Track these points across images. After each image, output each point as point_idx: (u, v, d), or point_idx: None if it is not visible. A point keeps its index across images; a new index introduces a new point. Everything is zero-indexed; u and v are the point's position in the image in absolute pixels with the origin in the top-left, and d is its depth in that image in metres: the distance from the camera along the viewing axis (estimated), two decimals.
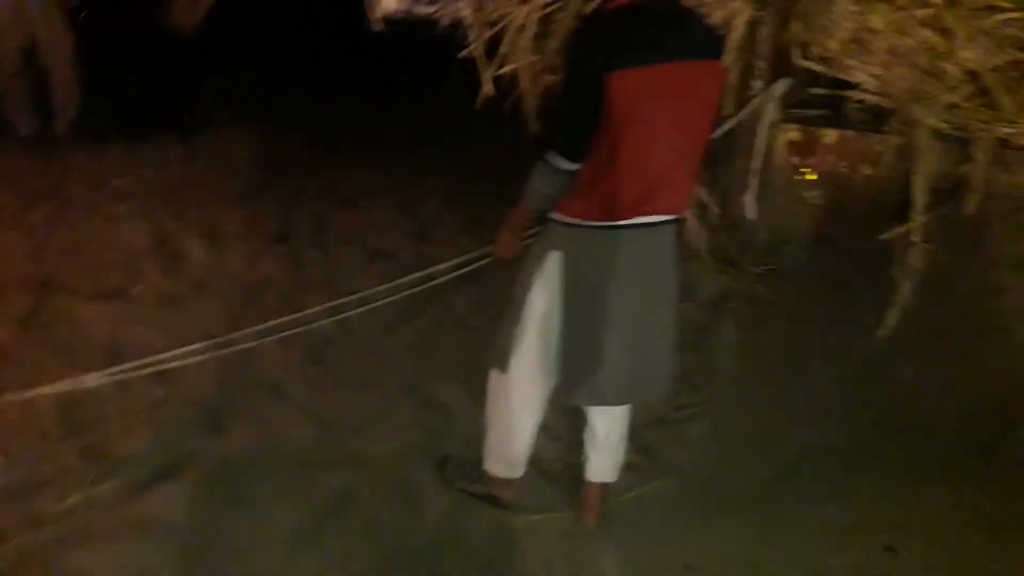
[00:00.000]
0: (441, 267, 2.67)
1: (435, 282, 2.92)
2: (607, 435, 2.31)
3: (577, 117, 1.89)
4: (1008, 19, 2.33)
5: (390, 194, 4.85)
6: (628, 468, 2.49)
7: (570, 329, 2.06)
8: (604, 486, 2.41)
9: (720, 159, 2.74)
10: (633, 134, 1.84)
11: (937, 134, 2.46)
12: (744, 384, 3.19)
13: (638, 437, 2.73)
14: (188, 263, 3.95)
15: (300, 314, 3.11)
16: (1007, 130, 2.38)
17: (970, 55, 2.37)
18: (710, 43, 1.95)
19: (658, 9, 1.85)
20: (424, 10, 6.68)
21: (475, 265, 2.57)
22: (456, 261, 2.75)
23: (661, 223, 1.97)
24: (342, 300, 3.12)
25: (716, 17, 2.68)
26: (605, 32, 1.87)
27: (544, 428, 2.52)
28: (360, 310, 3.17)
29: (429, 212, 4.71)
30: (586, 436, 2.36)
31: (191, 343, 2.92)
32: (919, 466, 2.71)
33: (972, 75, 2.42)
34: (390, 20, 6.57)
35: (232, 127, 5.87)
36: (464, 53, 3.07)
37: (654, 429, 2.87)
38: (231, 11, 5.76)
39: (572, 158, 1.93)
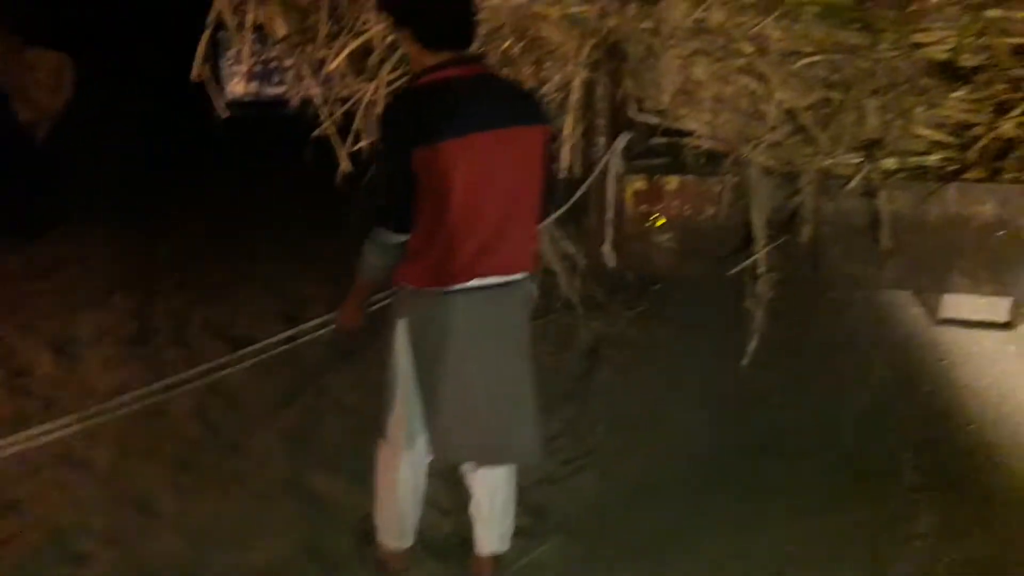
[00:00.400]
0: (270, 340, 2.62)
1: (258, 359, 2.85)
2: (491, 504, 2.31)
3: (395, 191, 1.96)
4: (812, 62, 2.56)
5: (256, 279, 4.72)
6: (519, 533, 2.47)
7: (424, 391, 2.10)
8: (495, 558, 2.39)
9: (583, 212, 2.83)
10: (454, 202, 1.91)
11: (766, 171, 2.65)
12: (626, 430, 3.24)
13: (527, 498, 2.72)
14: (35, 379, 3.71)
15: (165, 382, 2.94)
16: (827, 162, 2.60)
17: (785, 97, 2.57)
18: (527, 109, 2.06)
19: (468, 82, 1.94)
20: (272, 91, 6.67)
21: (310, 337, 2.53)
22: (287, 333, 2.67)
23: (502, 284, 2.03)
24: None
25: (554, 81, 2.82)
26: (414, 108, 1.96)
27: (433, 504, 2.50)
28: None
29: (300, 293, 4.61)
30: (472, 509, 2.35)
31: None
32: (803, 491, 2.82)
33: (790, 114, 2.63)
34: (240, 104, 6.52)
35: (82, 227, 5.62)
36: (317, 132, 3.07)
37: (542, 488, 2.86)
38: (80, 109, 5.57)
39: (398, 230, 2.00)
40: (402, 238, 2.01)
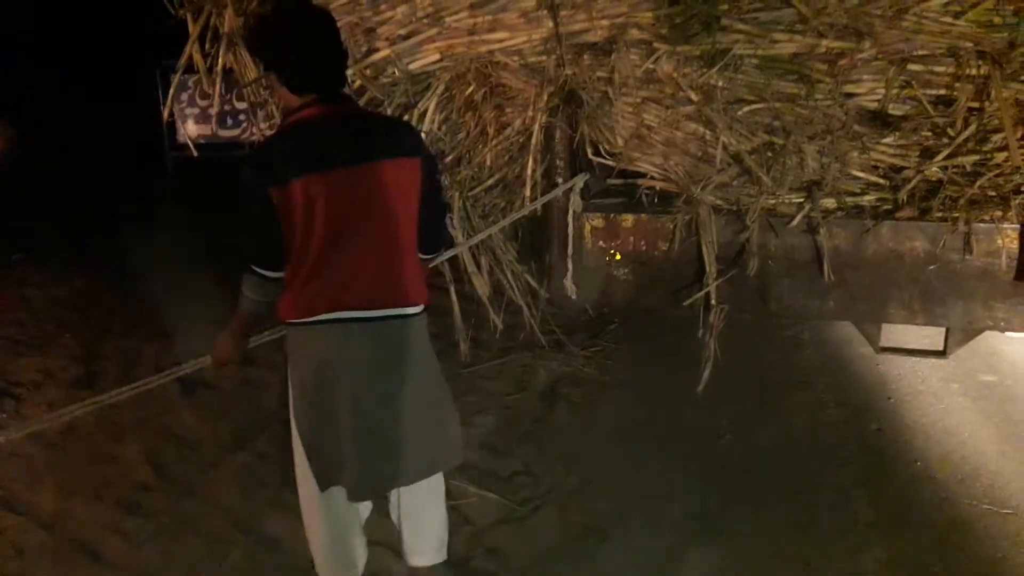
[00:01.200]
0: (154, 379, 2.66)
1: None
2: (424, 517, 2.37)
3: (259, 231, 2.06)
4: (755, 110, 2.83)
5: (210, 319, 4.75)
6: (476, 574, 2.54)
7: (301, 424, 2.18)
8: (434, 568, 2.43)
9: (545, 248, 3.01)
10: (314, 238, 2.03)
11: (715, 209, 2.89)
12: (583, 469, 3.36)
13: (484, 540, 2.84)
14: None
15: None
16: (771, 201, 2.85)
17: (731, 141, 2.83)
18: (393, 144, 2.14)
19: (325, 122, 2.07)
20: (228, 133, 6.84)
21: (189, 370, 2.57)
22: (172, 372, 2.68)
23: (378, 317, 2.11)
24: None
25: (515, 125, 3.05)
26: (272, 148, 2.10)
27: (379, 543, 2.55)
28: None
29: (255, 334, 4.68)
30: (404, 528, 2.40)
31: None
32: (756, 529, 2.95)
33: (735, 157, 2.89)
34: (196, 145, 6.64)
35: (26, 268, 5.61)
36: None
37: (500, 528, 2.94)
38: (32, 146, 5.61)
39: (268, 268, 2.10)
40: (276, 274, 2.10)
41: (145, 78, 6.65)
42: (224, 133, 6.66)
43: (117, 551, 2.82)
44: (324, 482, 2.19)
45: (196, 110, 6.66)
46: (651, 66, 2.82)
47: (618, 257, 2.96)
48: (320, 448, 2.16)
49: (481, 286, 3.12)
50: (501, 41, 2.90)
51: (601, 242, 2.97)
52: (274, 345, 4.42)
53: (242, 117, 6.65)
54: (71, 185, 6.33)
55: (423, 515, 2.37)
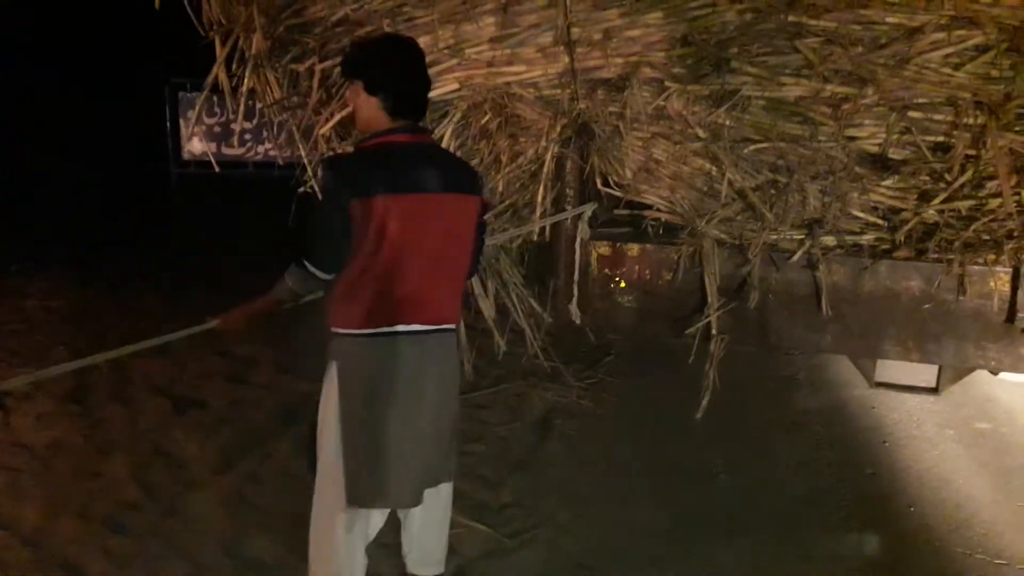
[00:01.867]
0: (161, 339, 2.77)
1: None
2: (430, 527, 2.48)
3: (330, 236, 2.23)
4: (760, 148, 3.02)
5: (205, 336, 4.83)
6: None
7: (351, 435, 2.27)
8: None
9: (551, 272, 3.18)
10: (385, 253, 2.20)
11: (719, 243, 3.05)
12: (575, 502, 3.43)
13: (471, 571, 2.91)
14: None
15: None
16: (773, 236, 3.02)
17: (736, 178, 3.01)
18: (463, 180, 2.37)
19: (413, 148, 2.29)
20: (232, 152, 7.01)
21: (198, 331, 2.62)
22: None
23: (426, 331, 2.29)
24: None
25: (528, 154, 3.22)
26: (360, 162, 2.28)
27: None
28: None
29: (245, 354, 4.74)
30: (408, 538, 2.50)
31: None
32: (749, 571, 3.03)
33: (740, 193, 3.07)
34: (199, 162, 6.79)
35: (25, 278, 5.71)
36: (302, 190, 3.26)
37: (489, 561, 3.01)
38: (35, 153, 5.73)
39: (323, 269, 2.27)
40: (326, 276, 2.26)
41: (152, 94, 6.85)
42: (227, 151, 6.83)
43: (101, 570, 2.84)
44: (359, 497, 2.28)
45: (203, 128, 6.85)
46: (662, 103, 3.01)
47: (623, 284, 3.11)
48: (365, 457, 2.26)
49: (487, 308, 3.26)
50: (518, 74, 3.10)
51: (607, 269, 3.13)
52: (270, 363, 4.55)
53: (247, 137, 6.85)
54: (74, 195, 6.46)
55: (435, 524, 2.48)
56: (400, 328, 2.24)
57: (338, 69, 2.93)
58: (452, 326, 2.37)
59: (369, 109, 2.30)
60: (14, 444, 3.70)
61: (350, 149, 2.78)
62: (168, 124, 6.80)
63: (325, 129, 3.12)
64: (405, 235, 2.20)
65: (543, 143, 3.16)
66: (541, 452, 3.88)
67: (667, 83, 3.00)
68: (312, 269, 2.26)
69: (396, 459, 2.26)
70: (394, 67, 2.30)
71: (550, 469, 3.74)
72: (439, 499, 2.45)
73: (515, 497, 3.44)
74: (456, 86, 3.13)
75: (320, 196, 2.26)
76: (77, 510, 3.17)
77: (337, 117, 3.10)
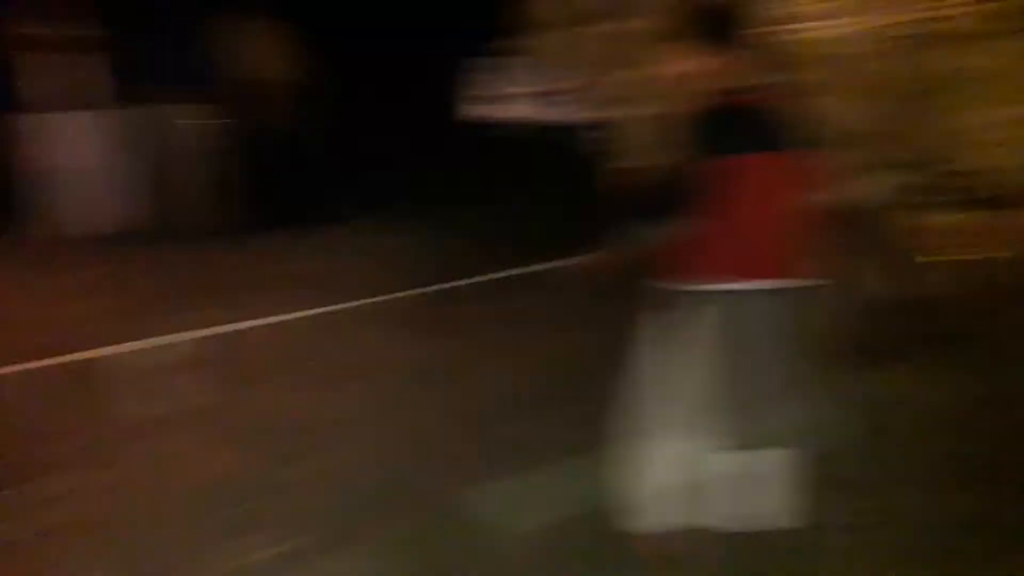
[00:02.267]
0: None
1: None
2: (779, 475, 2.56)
3: (690, 190, 2.35)
4: None
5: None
6: None
7: (713, 380, 2.44)
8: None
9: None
10: (746, 209, 2.35)
11: None
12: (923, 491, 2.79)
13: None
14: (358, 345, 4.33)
15: None
16: None
17: None
18: (804, 139, 2.46)
19: (774, 108, 2.42)
20: (548, 115, 7.66)
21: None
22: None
23: (777, 289, 2.43)
24: None
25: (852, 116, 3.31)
26: (731, 121, 2.38)
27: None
28: None
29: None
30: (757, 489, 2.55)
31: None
32: None
33: None
34: (516, 123, 7.52)
35: (356, 220, 6.80)
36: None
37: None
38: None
39: (676, 220, 2.39)
40: (677, 227, 2.38)
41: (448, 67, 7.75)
42: (544, 115, 7.41)
43: None
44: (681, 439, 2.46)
45: (496, 94, 7.64)
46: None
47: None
48: (724, 402, 2.44)
49: None
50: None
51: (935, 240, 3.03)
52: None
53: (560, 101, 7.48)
54: (384, 155, 7.52)
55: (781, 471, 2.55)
56: (755, 285, 2.41)
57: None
58: (797, 282, 2.47)
59: (727, 72, 2.41)
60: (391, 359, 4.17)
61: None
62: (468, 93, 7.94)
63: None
64: (765, 193, 2.36)
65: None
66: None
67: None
68: (669, 219, 2.40)
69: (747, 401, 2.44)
70: (744, 29, 2.43)
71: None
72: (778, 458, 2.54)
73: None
74: None
75: (697, 150, 2.36)
76: None
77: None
